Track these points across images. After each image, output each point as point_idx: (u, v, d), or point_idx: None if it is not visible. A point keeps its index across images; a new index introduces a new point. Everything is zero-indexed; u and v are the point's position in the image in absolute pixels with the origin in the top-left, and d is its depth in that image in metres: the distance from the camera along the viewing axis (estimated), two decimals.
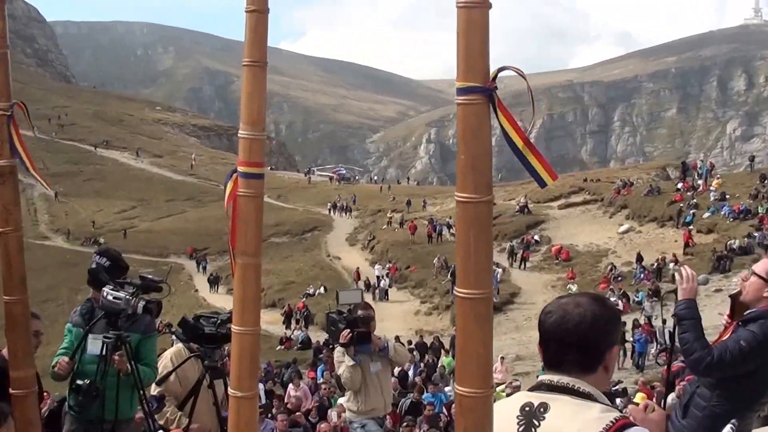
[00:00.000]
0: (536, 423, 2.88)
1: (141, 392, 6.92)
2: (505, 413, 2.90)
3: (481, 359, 2.38)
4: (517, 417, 2.92)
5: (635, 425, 2.81)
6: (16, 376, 3.71)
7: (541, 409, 2.89)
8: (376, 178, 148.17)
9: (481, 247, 2.35)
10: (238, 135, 2.91)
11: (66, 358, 6.73)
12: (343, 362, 10.02)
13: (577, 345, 2.94)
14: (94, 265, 7.04)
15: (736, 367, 5.29)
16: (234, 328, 2.87)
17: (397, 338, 22.37)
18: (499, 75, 2.37)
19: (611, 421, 2.79)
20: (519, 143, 2.45)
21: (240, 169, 2.90)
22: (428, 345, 38.38)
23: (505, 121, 2.42)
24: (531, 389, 3.02)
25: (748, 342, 5.26)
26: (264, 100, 2.91)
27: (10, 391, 3.75)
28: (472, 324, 2.38)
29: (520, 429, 2.89)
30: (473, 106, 2.35)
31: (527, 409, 2.92)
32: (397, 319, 49.22)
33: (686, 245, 54.49)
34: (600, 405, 2.91)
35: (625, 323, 37.92)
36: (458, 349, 2.40)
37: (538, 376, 3.02)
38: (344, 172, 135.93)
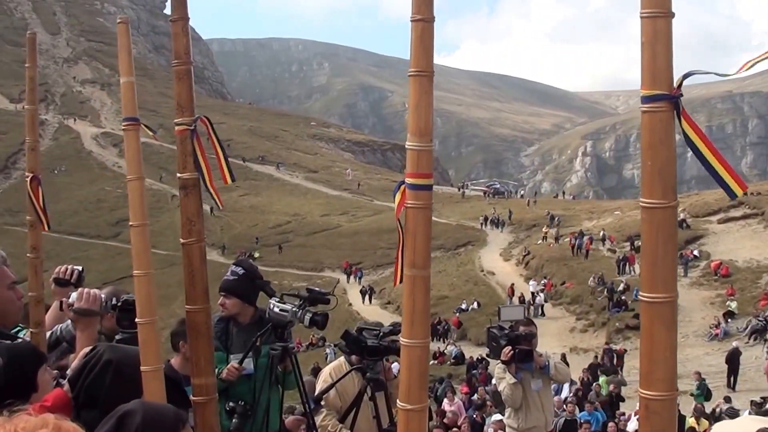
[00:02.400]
0: None
1: (306, 402, 7.00)
2: None
3: (668, 363, 2.39)
4: None
5: None
6: (198, 383, 3.80)
7: None
8: (523, 192, 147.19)
9: (668, 252, 2.37)
10: (406, 146, 2.89)
11: (235, 363, 6.77)
12: (504, 379, 9.99)
13: None
14: (231, 276, 7.08)
15: None
16: (403, 340, 2.86)
17: (563, 357, 22.12)
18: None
19: None
20: (705, 151, 2.41)
21: (408, 180, 2.88)
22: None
23: (689, 128, 2.38)
24: (763, 413, 2.89)
25: None
26: (431, 110, 2.88)
27: (192, 397, 3.84)
28: (659, 328, 2.38)
29: None
30: (659, 114, 2.35)
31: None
32: (552, 335, 48.73)
33: None
34: None
35: None
36: (643, 353, 2.42)
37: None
38: (498, 186, 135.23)
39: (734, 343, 39.49)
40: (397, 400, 2.84)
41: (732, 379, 35.06)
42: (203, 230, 3.86)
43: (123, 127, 4.04)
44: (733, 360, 35.31)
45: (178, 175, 3.82)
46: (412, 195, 2.88)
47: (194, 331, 3.80)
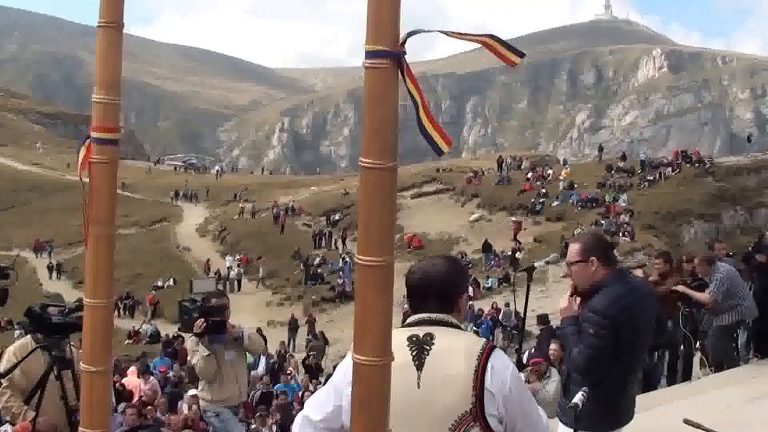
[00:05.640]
0: (427, 348, 3.55)
1: None
2: (395, 345, 2.90)
3: (380, 328, 2.37)
4: (408, 346, 3.57)
5: (497, 347, 3.68)
6: None
7: (428, 338, 3.58)
8: (218, 168, 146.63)
9: (383, 214, 2.34)
10: (92, 99, 2.78)
11: None
12: (197, 352, 9.93)
13: (436, 294, 3.70)
14: None
15: (604, 352, 5.40)
16: (86, 300, 2.76)
17: (259, 330, 22.23)
18: None
19: (485, 342, 3.64)
20: (421, 110, 2.41)
21: (93, 134, 2.78)
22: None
23: (412, 86, 2.37)
24: (409, 325, 3.69)
25: (595, 326, 5.39)
26: (120, 63, 2.79)
27: None
28: (372, 292, 2.36)
29: (414, 354, 3.55)
30: (380, 71, 2.29)
31: (414, 339, 3.59)
32: (249, 310, 48.88)
33: (515, 237, 55.41)
34: (469, 332, 3.90)
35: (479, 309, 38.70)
36: (357, 317, 2.39)
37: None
38: (195, 161, 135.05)
39: (405, 306, 41.36)
40: (81, 363, 2.73)
41: None
42: None
43: None
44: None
45: None
46: (97, 149, 2.78)
47: None
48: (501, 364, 3.57)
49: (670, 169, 65.56)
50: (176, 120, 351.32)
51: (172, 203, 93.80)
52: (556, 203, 62.08)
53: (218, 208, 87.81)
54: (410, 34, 2.34)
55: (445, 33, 2.48)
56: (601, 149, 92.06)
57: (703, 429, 4.97)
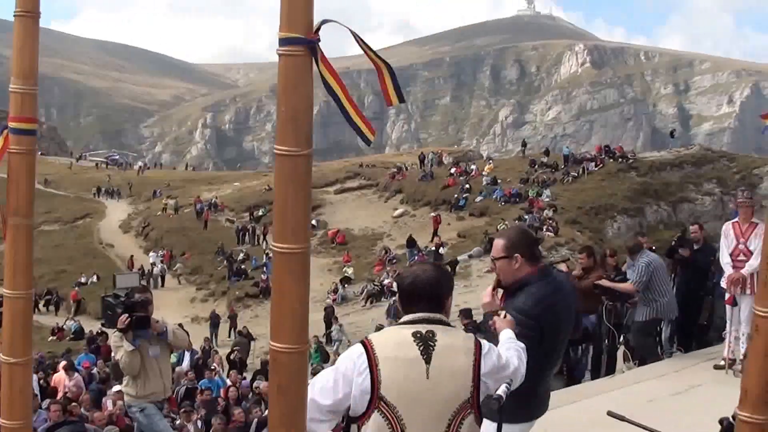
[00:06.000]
0: (432, 344, 4.04)
1: None
2: (402, 340, 4.07)
3: (297, 315, 2.37)
4: (414, 342, 4.04)
5: (480, 338, 4.29)
6: None
7: (431, 335, 4.07)
8: (140, 164, 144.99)
9: (298, 201, 2.34)
10: (9, 89, 2.74)
11: None
12: (121, 347, 9.87)
13: (427, 297, 4.20)
14: None
15: (528, 351, 5.40)
16: (5, 292, 2.72)
17: (181, 326, 22.02)
18: None
19: (475, 338, 4.23)
20: (342, 99, 2.40)
21: (11, 124, 2.74)
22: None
23: (328, 74, 2.35)
24: (410, 323, 4.15)
25: (520, 326, 5.38)
26: (37, 52, 2.75)
27: None
28: (288, 279, 2.36)
29: (421, 349, 4.02)
30: (294, 58, 2.29)
31: (419, 335, 4.06)
32: (173, 306, 48.55)
33: (435, 232, 55.56)
34: (460, 329, 4.52)
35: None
36: (273, 304, 2.38)
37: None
38: (117, 157, 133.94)
39: (327, 301, 41.86)
40: (0, 354, 2.70)
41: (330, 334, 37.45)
42: None
43: None
44: (328, 317, 39.00)
45: None
46: (14, 140, 2.74)
47: None
48: (489, 352, 4.22)
49: (593, 164, 66.13)
50: (98, 116, 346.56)
51: (94, 199, 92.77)
52: (479, 198, 62.33)
53: (141, 204, 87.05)
54: (324, 21, 2.33)
55: (355, 36, 2.48)
56: (524, 145, 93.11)
57: (626, 421, 5.02)
